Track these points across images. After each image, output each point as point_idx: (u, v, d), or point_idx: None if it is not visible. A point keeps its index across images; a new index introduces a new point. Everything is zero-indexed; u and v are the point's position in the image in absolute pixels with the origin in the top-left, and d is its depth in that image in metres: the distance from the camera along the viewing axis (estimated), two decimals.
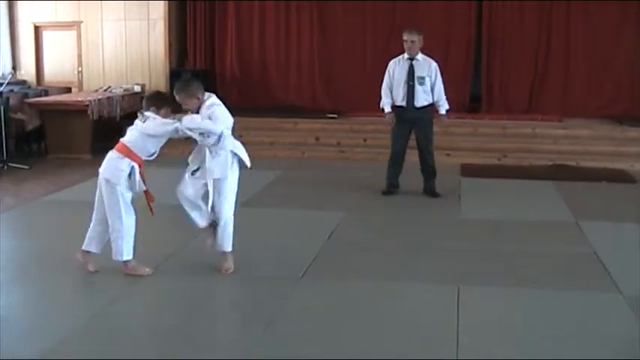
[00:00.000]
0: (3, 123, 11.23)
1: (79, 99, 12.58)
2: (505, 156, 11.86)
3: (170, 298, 5.93)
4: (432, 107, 9.19)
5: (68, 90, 14.23)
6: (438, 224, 8.03)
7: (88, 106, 12.14)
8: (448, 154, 11.84)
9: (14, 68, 14.18)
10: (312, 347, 4.89)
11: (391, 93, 9.17)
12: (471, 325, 5.24)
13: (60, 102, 12.59)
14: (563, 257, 6.84)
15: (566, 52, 13.60)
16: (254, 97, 14.22)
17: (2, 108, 11.29)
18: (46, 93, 13.52)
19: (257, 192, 9.52)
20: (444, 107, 9.17)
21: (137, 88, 13.95)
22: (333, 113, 13.38)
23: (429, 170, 9.33)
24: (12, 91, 12.89)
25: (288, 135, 12.74)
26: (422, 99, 9.09)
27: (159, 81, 14.30)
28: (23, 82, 14.62)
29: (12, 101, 12.00)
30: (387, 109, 9.20)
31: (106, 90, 13.80)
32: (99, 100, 12.50)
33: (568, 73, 13.62)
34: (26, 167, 11.22)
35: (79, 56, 14.69)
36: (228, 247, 6.35)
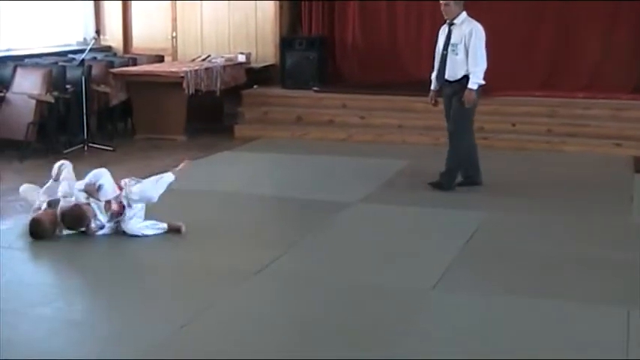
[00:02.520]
0: (84, 97, 11.56)
1: (173, 70, 12.82)
2: None
3: (276, 307, 5.97)
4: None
5: (160, 59, 14.51)
6: (603, 230, 7.85)
7: (183, 78, 12.35)
8: (618, 144, 11.55)
9: (98, 32, 14.47)
10: None
11: None
12: None
13: (150, 73, 12.86)
14: None
15: None
16: (380, 70, 14.16)
17: (84, 79, 11.62)
18: (134, 62, 13.80)
19: (381, 185, 9.54)
20: (472, 80, 9.01)
21: (241, 58, 14.10)
22: None
23: (448, 158, 9.30)
24: (95, 59, 13.22)
25: (420, 116, 12.65)
26: (454, 70, 9.12)
27: (267, 50, 14.43)
28: (108, 49, 14.99)
29: (95, 71, 12.33)
30: (432, 85, 9.41)
31: (204, 59, 14.00)
32: (196, 71, 12.70)
33: None
34: (110, 148, 11.53)
35: (174, 19, 14.94)
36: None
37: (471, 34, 9.06)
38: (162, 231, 7.54)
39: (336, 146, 11.88)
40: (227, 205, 8.74)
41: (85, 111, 11.58)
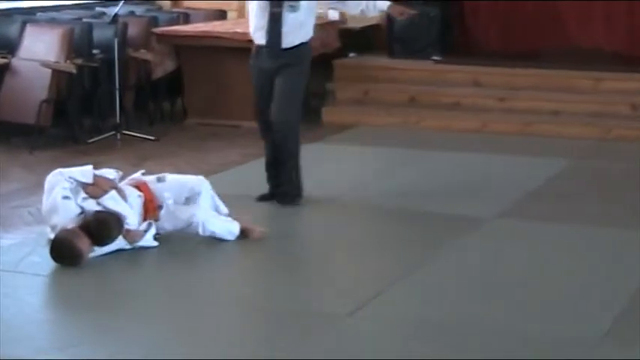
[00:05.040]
0: (117, 66, 11.67)
1: (239, 30, 12.88)
2: None
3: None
4: (306, 48, 8.98)
5: (222, 15, 14.64)
6: None
7: (251, 42, 12.40)
8: None
9: None
10: None
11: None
12: None
13: (208, 34, 12.95)
14: None
15: None
16: (526, 35, 14.12)
17: (117, 42, 11.68)
18: (187, 19, 13.93)
19: (529, 193, 9.55)
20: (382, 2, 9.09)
21: (334, 15, 14.13)
22: None
23: (278, 151, 9.00)
24: (132, 14, 13.37)
25: (584, 99, 12.59)
26: (291, 35, 8.87)
27: None
28: (150, 1, 15.14)
29: (132, 30, 12.44)
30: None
31: None
32: None
33: None
34: (151, 138, 11.68)
35: None
36: None
37: None
38: (232, 237, 7.75)
39: (464, 139, 11.85)
40: (312, 218, 8.82)
41: (118, 86, 11.71)
